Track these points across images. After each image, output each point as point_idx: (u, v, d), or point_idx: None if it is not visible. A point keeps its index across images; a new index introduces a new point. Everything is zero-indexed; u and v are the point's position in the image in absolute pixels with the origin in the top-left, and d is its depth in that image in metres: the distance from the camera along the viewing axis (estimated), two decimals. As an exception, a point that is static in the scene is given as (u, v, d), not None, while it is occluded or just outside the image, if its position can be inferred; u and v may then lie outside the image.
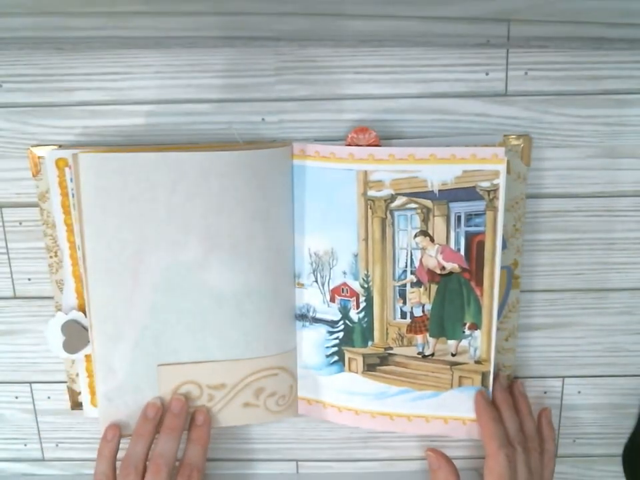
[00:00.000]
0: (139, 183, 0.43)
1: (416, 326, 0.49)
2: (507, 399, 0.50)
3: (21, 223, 0.50)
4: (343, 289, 0.49)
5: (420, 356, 0.49)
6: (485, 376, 0.49)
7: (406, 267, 0.48)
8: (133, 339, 0.46)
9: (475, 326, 0.48)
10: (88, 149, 0.46)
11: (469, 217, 0.46)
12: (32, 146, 0.48)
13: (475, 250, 0.47)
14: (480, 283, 0.47)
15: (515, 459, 0.47)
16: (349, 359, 0.50)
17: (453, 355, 0.49)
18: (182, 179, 0.44)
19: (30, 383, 0.54)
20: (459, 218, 0.46)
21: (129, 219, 0.44)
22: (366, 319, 0.49)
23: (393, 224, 0.47)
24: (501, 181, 0.44)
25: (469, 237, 0.46)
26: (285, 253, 0.48)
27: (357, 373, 0.50)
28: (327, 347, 0.50)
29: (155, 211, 0.44)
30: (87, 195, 0.43)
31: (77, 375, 0.52)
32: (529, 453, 0.48)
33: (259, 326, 0.48)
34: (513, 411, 0.49)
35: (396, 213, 0.47)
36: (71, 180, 0.45)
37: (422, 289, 0.48)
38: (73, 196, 0.45)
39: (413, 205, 0.46)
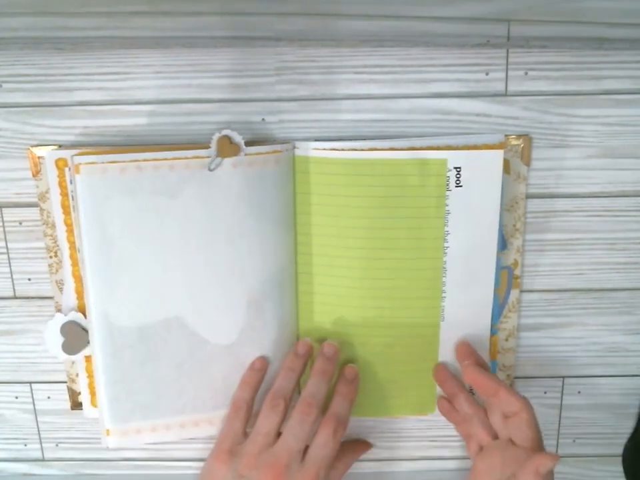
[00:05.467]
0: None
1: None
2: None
3: (21, 223, 0.50)
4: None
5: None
6: None
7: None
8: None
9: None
10: (88, 149, 0.46)
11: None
12: (32, 146, 0.48)
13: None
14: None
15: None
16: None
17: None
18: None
19: (30, 383, 0.54)
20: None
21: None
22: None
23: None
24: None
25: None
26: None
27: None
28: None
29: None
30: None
31: (77, 375, 0.52)
32: None
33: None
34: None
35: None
36: (70, 182, 0.45)
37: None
38: (73, 198, 0.45)
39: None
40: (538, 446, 0.44)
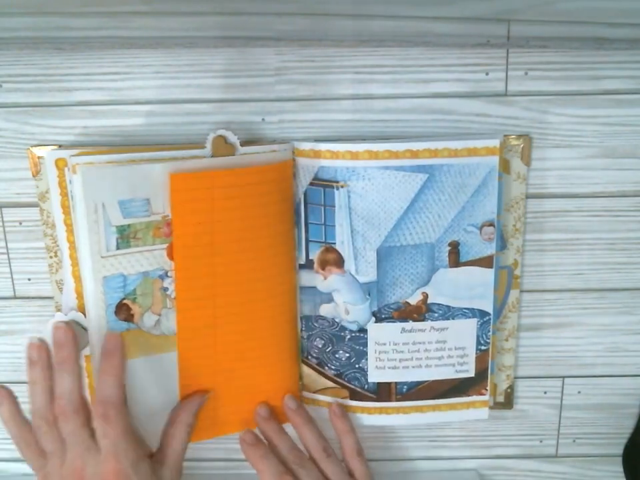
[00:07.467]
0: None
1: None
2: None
3: (20, 223, 0.50)
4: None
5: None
6: None
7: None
8: None
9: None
10: (88, 149, 0.46)
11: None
12: (32, 146, 0.48)
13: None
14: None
15: None
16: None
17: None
18: None
19: (30, 382, 0.54)
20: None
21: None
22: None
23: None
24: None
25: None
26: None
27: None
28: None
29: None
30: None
31: (77, 374, 0.52)
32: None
33: None
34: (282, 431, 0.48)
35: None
36: (70, 181, 0.45)
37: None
38: (72, 198, 0.45)
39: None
40: None
